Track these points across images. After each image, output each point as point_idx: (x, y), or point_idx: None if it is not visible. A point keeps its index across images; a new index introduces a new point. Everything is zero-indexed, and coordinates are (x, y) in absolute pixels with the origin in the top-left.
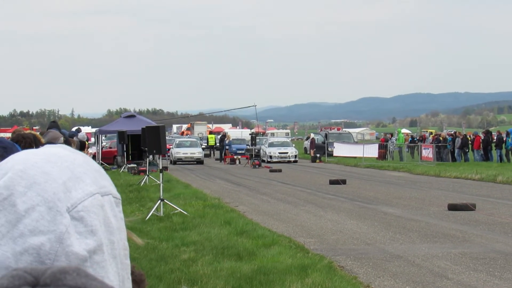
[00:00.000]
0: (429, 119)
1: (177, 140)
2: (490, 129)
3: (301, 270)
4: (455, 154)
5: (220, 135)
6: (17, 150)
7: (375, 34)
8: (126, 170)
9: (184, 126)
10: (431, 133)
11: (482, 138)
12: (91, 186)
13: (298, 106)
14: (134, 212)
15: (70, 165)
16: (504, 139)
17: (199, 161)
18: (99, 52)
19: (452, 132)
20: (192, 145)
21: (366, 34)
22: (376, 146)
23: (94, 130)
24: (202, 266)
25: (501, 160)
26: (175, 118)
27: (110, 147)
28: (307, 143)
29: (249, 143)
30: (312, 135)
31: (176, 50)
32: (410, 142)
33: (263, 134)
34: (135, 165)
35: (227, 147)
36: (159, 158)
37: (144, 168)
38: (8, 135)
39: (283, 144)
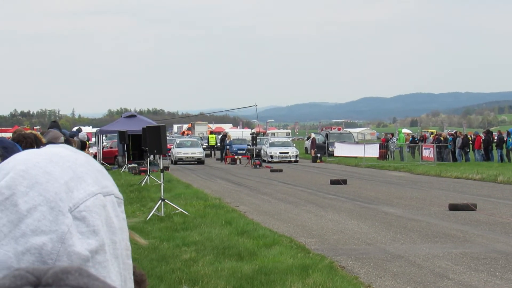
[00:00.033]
0: (430, 119)
1: (178, 140)
2: (491, 129)
3: (302, 270)
4: (456, 154)
5: (221, 135)
6: (18, 150)
7: (375, 34)
8: (127, 170)
9: (185, 126)
10: (431, 133)
11: (483, 138)
12: (93, 186)
13: (299, 106)
14: (135, 212)
15: (72, 165)
16: (505, 139)
17: (199, 161)
18: (99, 52)
19: (453, 132)
20: (192, 145)
21: (366, 34)
22: (377, 146)
23: (95, 130)
24: (203, 266)
25: (502, 160)
26: (176, 118)
27: (111, 147)
28: (307, 143)
29: (250, 143)
30: (312, 135)
31: (176, 50)
32: (411, 142)
33: (264, 134)
34: (136, 165)
35: (227, 147)
36: (160, 158)
37: (145, 168)
38: (9, 135)
39: (284, 144)
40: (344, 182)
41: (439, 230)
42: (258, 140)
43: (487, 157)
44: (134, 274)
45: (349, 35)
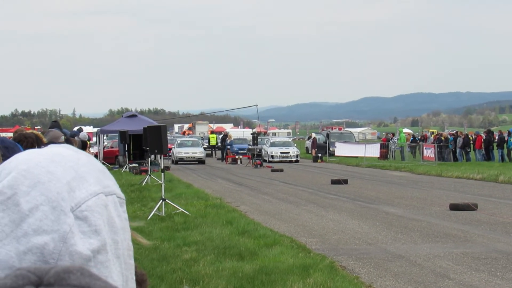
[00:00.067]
0: (431, 119)
1: (179, 140)
2: (492, 128)
3: (302, 270)
4: (457, 154)
5: (222, 135)
6: (19, 150)
7: (375, 34)
8: (127, 170)
9: (186, 126)
10: (432, 132)
11: (484, 137)
12: (95, 186)
13: (300, 105)
14: (136, 212)
15: (74, 164)
16: (506, 138)
17: (200, 161)
18: (100, 52)
19: (454, 132)
20: (193, 144)
21: (366, 34)
22: (378, 145)
23: (95, 130)
24: (204, 266)
25: (502, 160)
26: (177, 117)
27: (112, 147)
28: (308, 143)
29: (251, 143)
30: (313, 135)
31: (176, 50)
32: (412, 141)
33: (265, 133)
34: (137, 165)
35: (228, 146)
36: (160, 158)
37: (146, 168)
38: (10, 134)
39: (284, 144)
40: (345, 182)
41: (440, 230)
42: (259, 140)
43: (488, 157)
44: (135, 274)
45: (349, 35)
